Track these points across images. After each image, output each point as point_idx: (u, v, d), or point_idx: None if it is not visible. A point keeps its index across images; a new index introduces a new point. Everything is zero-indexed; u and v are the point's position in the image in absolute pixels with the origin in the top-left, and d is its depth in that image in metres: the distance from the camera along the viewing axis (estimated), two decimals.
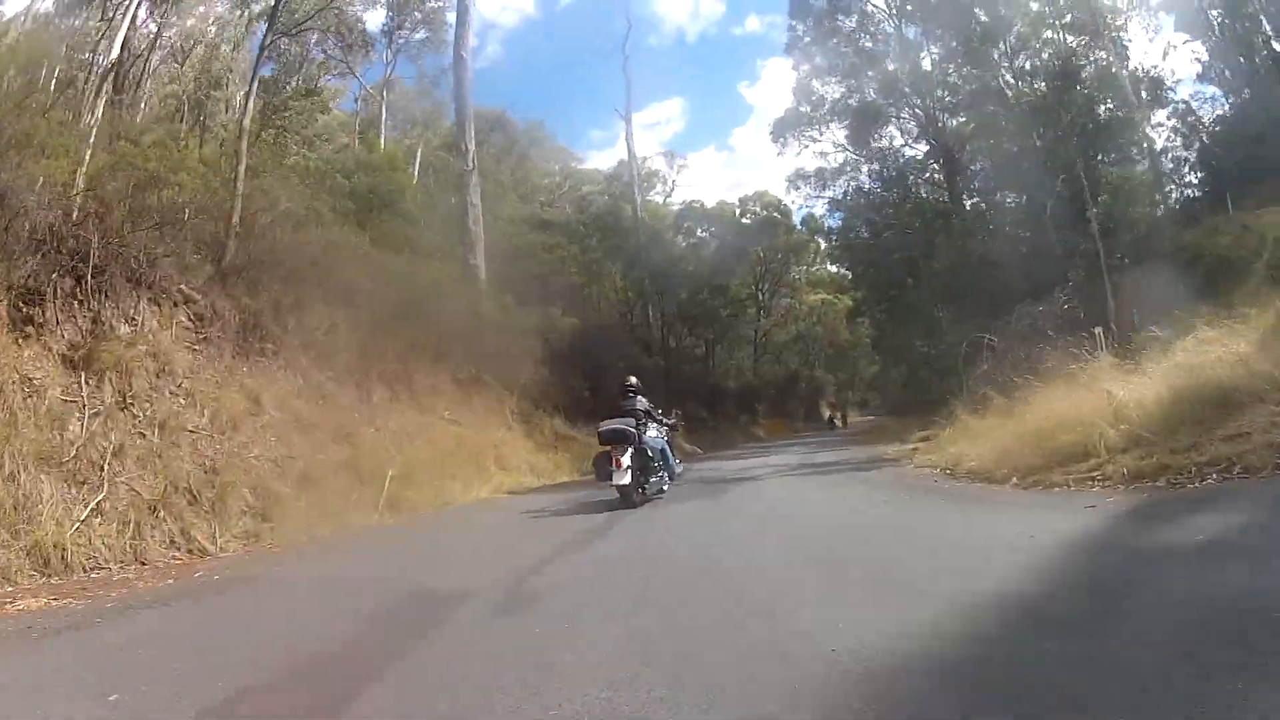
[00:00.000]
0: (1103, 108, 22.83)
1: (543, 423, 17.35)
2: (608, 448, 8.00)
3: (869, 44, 28.99)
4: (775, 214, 39.01)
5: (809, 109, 30.76)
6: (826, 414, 49.98)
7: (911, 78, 27.80)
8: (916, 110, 27.97)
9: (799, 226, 39.73)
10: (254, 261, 12.08)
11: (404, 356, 14.27)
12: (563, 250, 24.79)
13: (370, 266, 14.93)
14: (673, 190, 40.74)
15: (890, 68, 28.26)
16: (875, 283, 28.85)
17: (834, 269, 50.32)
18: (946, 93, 27.04)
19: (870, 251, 29.03)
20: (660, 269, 32.75)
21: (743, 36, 63.47)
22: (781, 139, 31.49)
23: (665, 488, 9.01)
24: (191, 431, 9.37)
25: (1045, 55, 24.75)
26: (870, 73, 28.67)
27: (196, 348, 10.64)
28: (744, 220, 38.03)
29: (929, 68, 27.66)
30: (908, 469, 9.88)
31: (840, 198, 30.17)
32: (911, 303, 27.62)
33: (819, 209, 35.25)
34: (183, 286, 11.00)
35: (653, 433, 8.76)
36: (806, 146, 31.24)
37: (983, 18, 25.60)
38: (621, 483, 7.69)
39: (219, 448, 9.42)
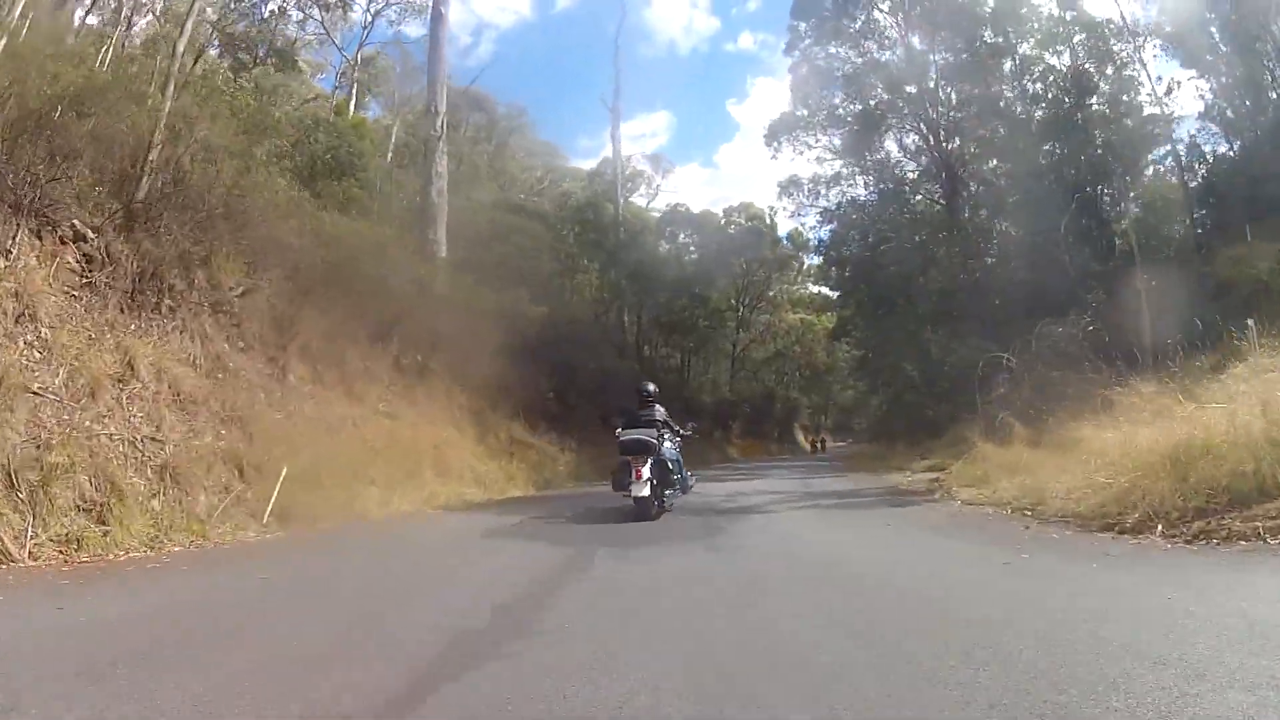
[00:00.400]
0: (1113, 126, 21.66)
1: (498, 425, 15.16)
2: (628, 457, 7.65)
3: (874, 49, 27.74)
4: (761, 225, 37.56)
5: (806, 113, 29.31)
6: (801, 437, 48.49)
7: (916, 86, 26.57)
8: (919, 123, 26.70)
9: (784, 240, 38.34)
10: (167, 203, 9.83)
11: (336, 333, 12.02)
12: (537, 237, 22.67)
13: (307, 224, 12.68)
14: (656, 194, 39.13)
15: (894, 73, 27.00)
16: (865, 300, 27.31)
17: (816, 289, 49.49)
18: (951, 108, 25.80)
19: (862, 266, 27.53)
20: (639, 270, 30.85)
21: (735, 53, 62.92)
22: (775, 143, 29.96)
23: (675, 502, 8.58)
24: (35, 393, 7.10)
25: (1055, 73, 23.56)
26: (873, 79, 27.35)
27: (76, 294, 8.49)
28: (729, 230, 36.40)
29: (934, 78, 26.42)
30: (955, 506, 7.93)
31: (834, 208, 28.66)
32: (902, 322, 26.12)
33: (810, 219, 33.81)
34: (76, 222, 8.85)
35: (669, 443, 8.37)
36: (801, 153, 29.77)
37: (988, 37, 24.51)
38: (641, 495, 7.37)
39: (65, 418, 7.15)
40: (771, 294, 40.14)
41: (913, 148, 27.87)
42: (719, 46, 62.54)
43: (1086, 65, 22.37)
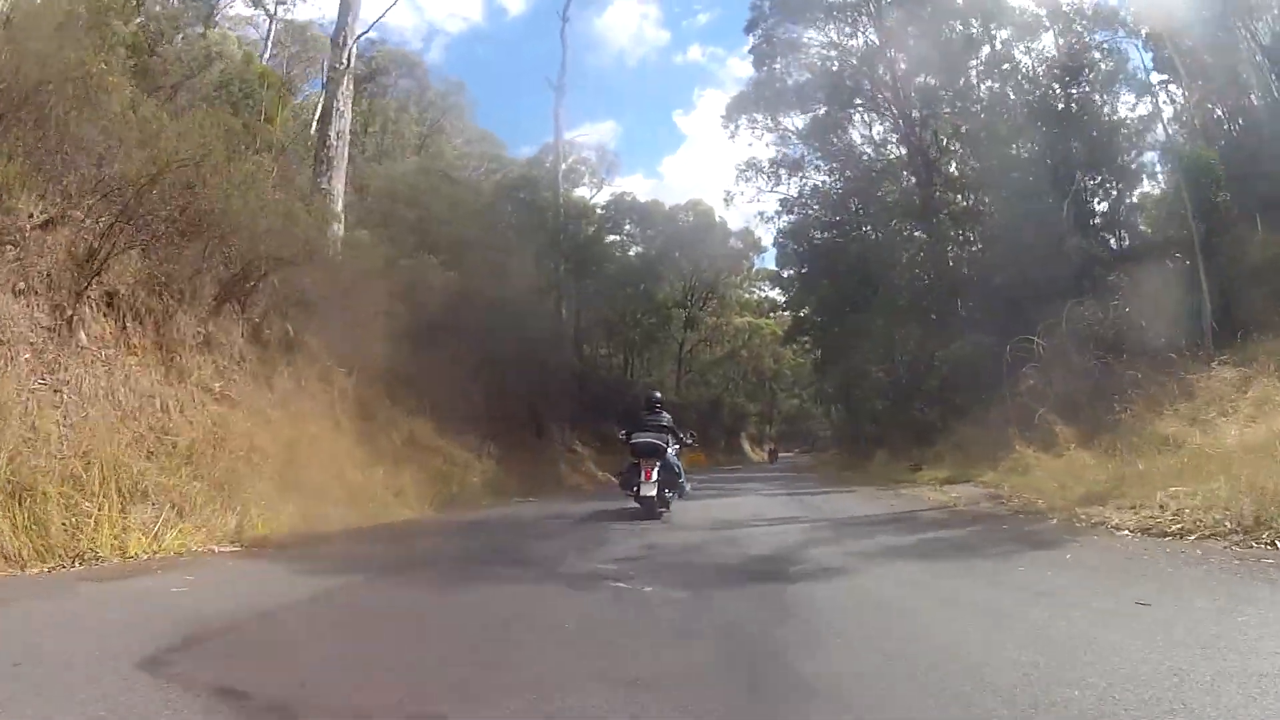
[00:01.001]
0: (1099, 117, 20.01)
1: (393, 422, 11.63)
2: (638, 460, 8.16)
3: (842, 31, 25.66)
4: (710, 219, 35.12)
5: (769, 94, 26.89)
6: (748, 447, 46.26)
7: (886, 69, 24.57)
8: (890, 106, 24.68)
9: (734, 235, 35.94)
10: None
11: (166, 282, 8.41)
12: (463, 205, 19.11)
13: (132, 125, 8.99)
14: (600, 189, 35.87)
15: (863, 55, 24.97)
16: (827, 296, 24.95)
17: (765, 293, 47.74)
18: (925, 91, 23.86)
19: (824, 258, 25.23)
20: (581, 258, 27.70)
21: (684, 65, 61.65)
22: (734, 123, 27.49)
23: (672, 506, 8.58)
24: None
25: (1035, 60, 21.86)
26: (840, 58, 25.26)
27: None
28: (677, 221, 33.71)
29: (905, 62, 24.47)
30: (1133, 542, 4.85)
31: (795, 196, 26.28)
32: (871, 319, 23.88)
33: (770, 204, 31.42)
34: None
35: (671, 449, 8.63)
36: (760, 136, 27.36)
37: (960, 28, 22.71)
38: (648, 494, 7.89)
39: None
40: (721, 293, 37.64)
41: (878, 138, 25.95)
42: (668, 58, 60.98)
43: (1066, 58, 20.66)
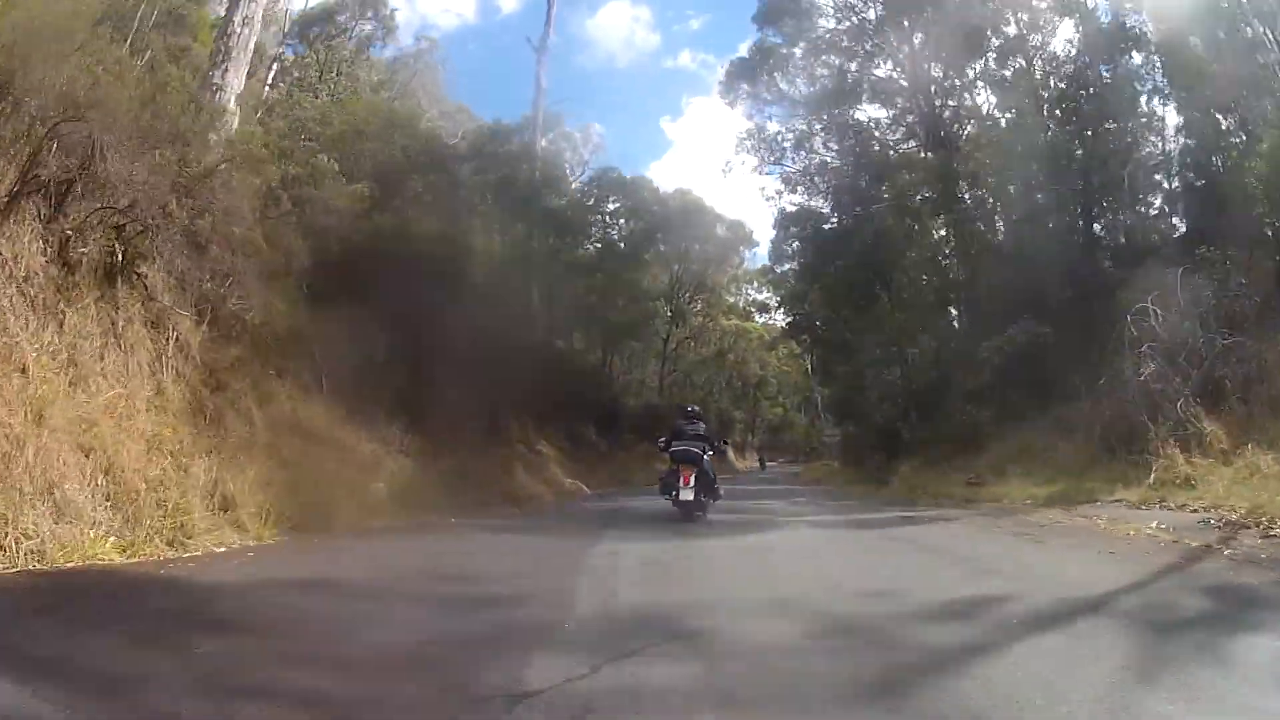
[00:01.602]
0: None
1: (265, 398, 8.30)
2: (677, 466, 8.59)
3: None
4: (700, 205, 32.21)
5: (775, 59, 23.92)
6: (731, 454, 43.22)
7: (902, 38, 21.82)
8: (903, 75, 21.93)
9: (724, 222, 32.97)
10: None
11: None
12: (417, 142, 15.56)
13: None
14: (584, 168, 32.54)
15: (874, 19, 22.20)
16: (832, 286, 21.95)
17: (754, 295, 45.02)
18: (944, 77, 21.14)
19: (831, 244, 22.27)
20: (557, 228, 24.53)
21: (673, 70, 59.93)
22: (734, 92, 24.52)
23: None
24: None
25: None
26: (845, 26, 22.43)
27: None
28: (667, 202, 30.60)
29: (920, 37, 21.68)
30: None
31: (800, 171, 23.29)
32: (879, 313, 20.99)
33: (771, 184, 28.49)
34: None
35: (707, 456, 8.98)
36: (762, 109, 24.42)
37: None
38: (686, 499, 8.32)
39: None
40: (709, 288, 34.65)
41: (890, 118, 23.16)
42: (658, 63, 58.97)
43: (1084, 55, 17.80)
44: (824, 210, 23.09)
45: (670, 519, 8.43)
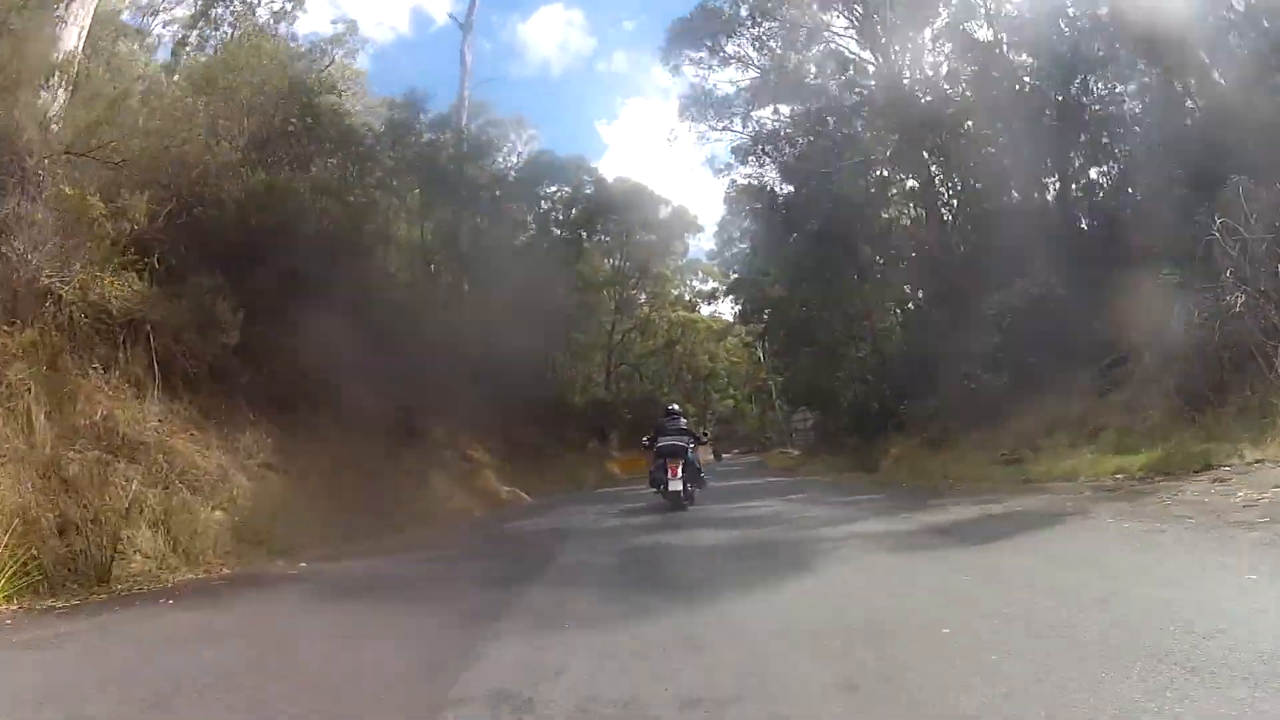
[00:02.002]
0: None
1: (85, 403, 5.75)
2: (664, 460, 9.15)
3: None
4: (643, 190, 30.15)
5: (716, 24, 21.98)
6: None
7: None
8: (857, 41, 20.37)
9: (668, 206, 30.93)
10: None
11: None
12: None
13: None
14: (519, 157, 29.82)
15: None
16: (797, 259, 20.18)
17: (700, 285, 43.47)
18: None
19: (789, 214, 20.52)
20: (488, 209, 22.02)
21: (607, 73, 58.34)
22: (676, 57, 22.46)
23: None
24: None
25: None
26: None
27: None
28: (608, 182, 28.38)
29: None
30: None
31: (751, 142, 21.43)
32: (847, 289, 19.37)
33: (719, 155, 26.48)
34: None
35: (691, 448, 9.59)
36: (706, 77, 22.48)
37: None
38: (675, 489, 8.91)
39: None
40: (654, 274, 32.62)
41: (844, 81, 21.57)
42: (592, 66, 57.48)
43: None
44: (777, 181, 21.30)
45: (642, 536, 6.70)
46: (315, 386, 8.93)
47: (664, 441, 9.34)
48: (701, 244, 56.06)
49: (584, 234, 27.77)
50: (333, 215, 10.87)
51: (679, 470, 8.86)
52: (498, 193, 23.00)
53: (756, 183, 21.53)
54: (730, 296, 39.96)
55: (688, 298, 43.45)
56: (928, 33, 19.87)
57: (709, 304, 44.76)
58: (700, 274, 43.59)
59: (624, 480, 22.84)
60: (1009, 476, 7.95)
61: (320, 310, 9.24)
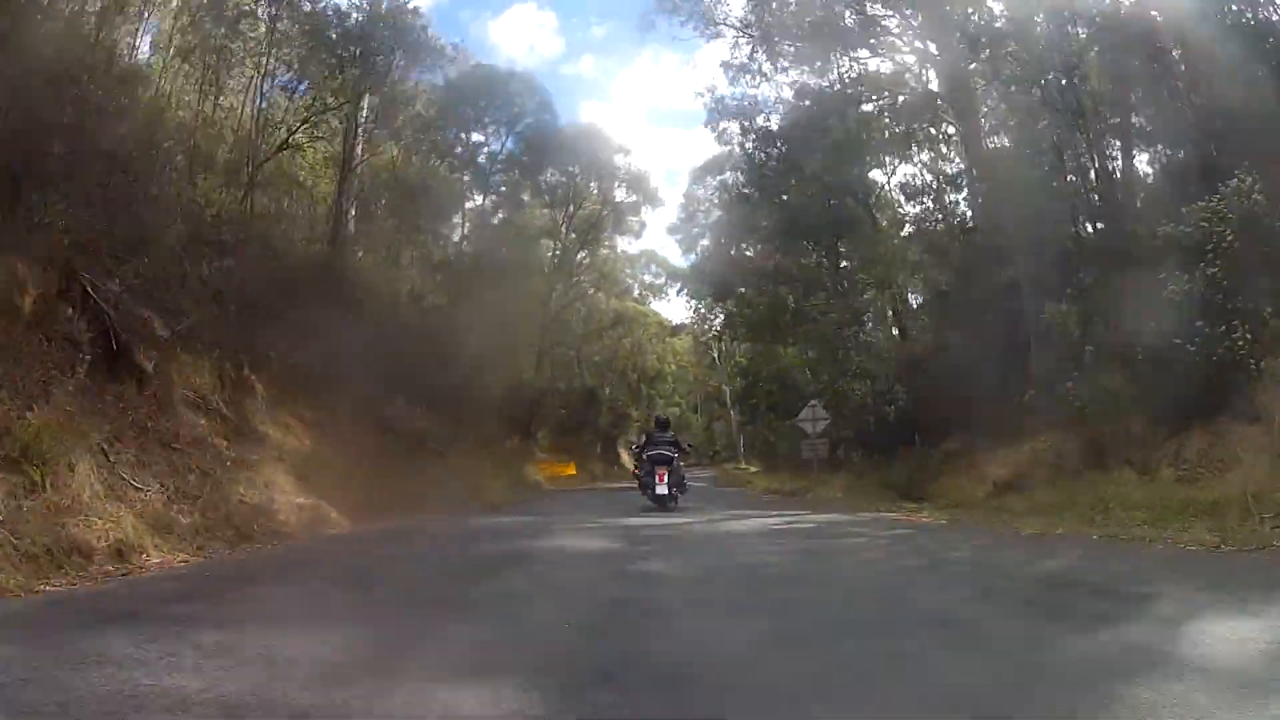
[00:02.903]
0: None
1: None
2: (653, 467, 10.07)
3: None
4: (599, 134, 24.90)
5: None
6: (625, 455, 36.21)
7: None
8: None
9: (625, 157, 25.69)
10: None
11: None
12: None
13: None
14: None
15: None
16: (793, 216, 15.14)
17: (651, 278, 39.66)
18: None
19: (794, 148, 15.51)
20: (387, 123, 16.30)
21: (573, 77, 55.99)
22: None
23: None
24: None
25: None
26: None
27: None
28: (556, 115, 22.89)
29: None
30: None
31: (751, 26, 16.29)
32: (862, 247, 14.57)
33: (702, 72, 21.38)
34: None
35: (676, 457, 10.57)
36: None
37: None
38: (662, 493, 9.89)
39: None
40: (605, 241, 27.27)
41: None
42: (556, 69, 55.15)
43: None
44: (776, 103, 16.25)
45: None
46: None
47: (653, 450, 10.32)
48: (662, 218, 52.97)
49: (524, 178, 22.19)
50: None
51: (665, 476, 9.86)
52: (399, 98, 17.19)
53: (744, 103, 16.38)
54: (686, 292, 36.24)
55: (638, 291, 39.30)
56: None
57: (661, 298, 41.38)
58: (654, 267, 39.76)
59: (548, 493, 17.26)
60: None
61: None
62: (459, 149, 21.16)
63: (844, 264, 14.34)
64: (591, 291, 29.47)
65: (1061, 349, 9.11)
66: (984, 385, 11.03)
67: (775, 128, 16.10)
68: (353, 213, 16.77)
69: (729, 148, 18.21)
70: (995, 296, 11.34)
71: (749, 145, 16.24)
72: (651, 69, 62.28)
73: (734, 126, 16.90)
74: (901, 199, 15.43)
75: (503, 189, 22.15)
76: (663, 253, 64.10)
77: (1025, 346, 10.78)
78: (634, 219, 30.10)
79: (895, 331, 14.57)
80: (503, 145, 21.55)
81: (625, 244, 32.35)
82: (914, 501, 9.28)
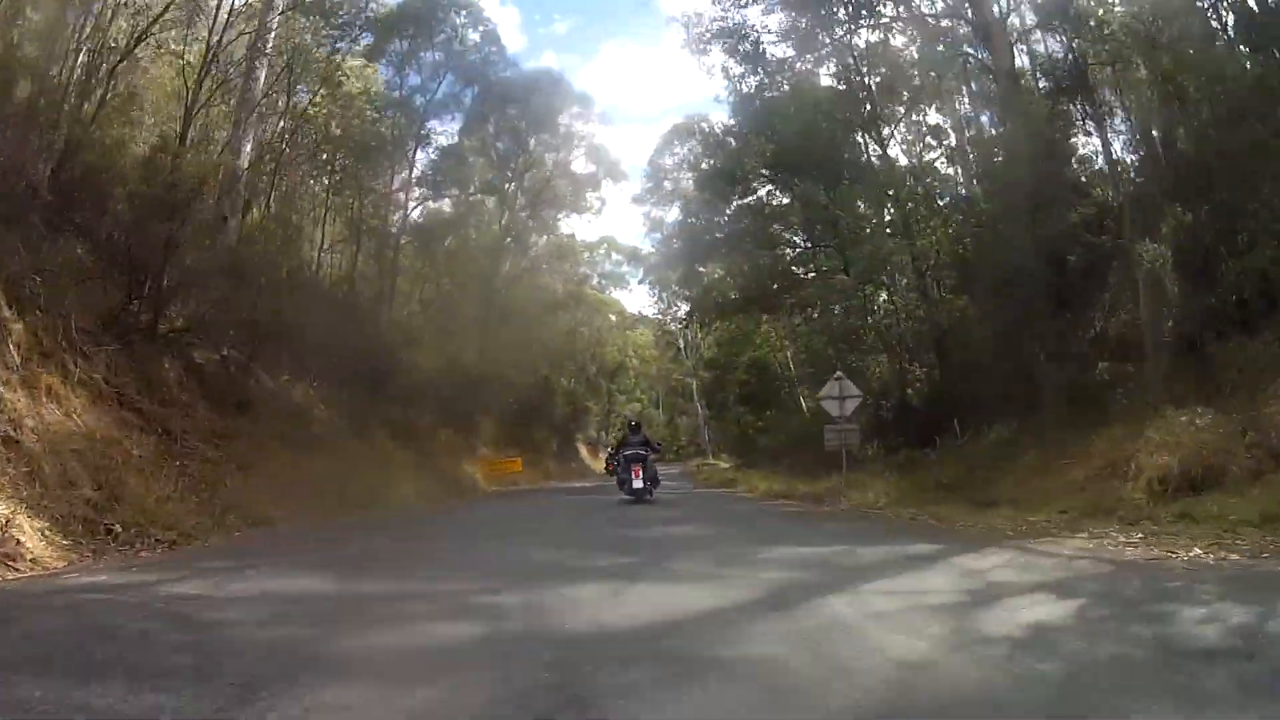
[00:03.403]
0: None
1: None
2: (629, 465, 11.09)
3: None
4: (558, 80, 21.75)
5: None
6: (585, 452, 33.57)
7: None
8: None
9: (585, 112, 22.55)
10: None
11: None
12: None
13: None
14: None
15: None
16: (799, 144, 12.27)
17: (612, 266, 36.95)
18: None
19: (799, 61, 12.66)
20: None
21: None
22: None
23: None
24: None
25: None
26: None
27: None
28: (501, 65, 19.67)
29: None
30: None
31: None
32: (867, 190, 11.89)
33: None
34: None
35: (650, 456, 11.69)
36: None
37: None
38: (638, 487, 10.91)
39: None
40: (561, 218, 24.09)
41: None
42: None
43: None
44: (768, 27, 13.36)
45: None
46: None
47: (628, 450, 11.35)
48: (626, 191, 52.74)
49: (468, 131, 18.94)
50: None
51: (640, 472, 10.90)
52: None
53: (733, 28, 13.44)
54: (650, 280, 33.76)
55: (596, 280, 36.43)
56: None
57: (622, 288, 38.57)
58: (615, 255, 37.09)
59: (480, 498, 14.00)
60: None
61: None
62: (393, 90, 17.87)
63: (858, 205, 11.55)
64: (545, 268, 26.35)
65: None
66: (1051, 355, 8.45)
67: (765, 50, 13.27)
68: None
69: (711, 78, 15.29)
70: (1063, 238, 8.75)
71: (737, 67, 13.31)
72: (614, 65, 59.89)
73: (718, 51, 14.04)
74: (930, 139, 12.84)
75: (440, 137, 18.85)
76: (625, 234, 61.73)
77: (1107, 306, 8.20)
78: (593, 194, 27.12)
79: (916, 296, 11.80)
80: (438, 86, 18.22)
81: (584, 223, 29.45)
82: (988, 508, 6.42)
